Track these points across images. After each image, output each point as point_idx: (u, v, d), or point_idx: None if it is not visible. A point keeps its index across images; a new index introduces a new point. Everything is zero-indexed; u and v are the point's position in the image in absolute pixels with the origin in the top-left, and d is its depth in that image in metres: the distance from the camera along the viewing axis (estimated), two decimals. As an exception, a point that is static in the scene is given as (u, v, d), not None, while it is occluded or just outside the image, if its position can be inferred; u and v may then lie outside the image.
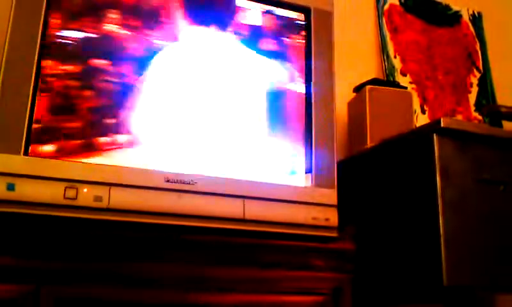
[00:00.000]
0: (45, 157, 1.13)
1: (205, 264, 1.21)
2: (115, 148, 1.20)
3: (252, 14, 1.40)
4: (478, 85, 2.22)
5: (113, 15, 1.26)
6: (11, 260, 1.06)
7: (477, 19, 2.31)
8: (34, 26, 1.16)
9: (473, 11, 2.31)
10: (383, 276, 1.44)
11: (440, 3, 2.24)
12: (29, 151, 1.12)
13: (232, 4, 1.39)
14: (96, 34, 1.23)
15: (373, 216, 1.50)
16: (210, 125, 1.31)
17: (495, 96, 2.23)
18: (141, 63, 1.26)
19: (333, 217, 1.32)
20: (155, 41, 1.28)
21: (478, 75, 2.24)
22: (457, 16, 2.27)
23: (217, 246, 1.23)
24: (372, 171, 1.55)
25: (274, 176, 1.33)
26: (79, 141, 1.17)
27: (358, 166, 1.62)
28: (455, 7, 2.27)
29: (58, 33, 1.20)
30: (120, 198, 1.15)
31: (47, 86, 1.16)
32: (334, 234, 1.32)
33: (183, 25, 1.33)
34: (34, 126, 1.13)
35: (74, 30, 1.22)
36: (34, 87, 1.14)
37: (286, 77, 1.41)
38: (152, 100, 1.26)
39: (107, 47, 1.24)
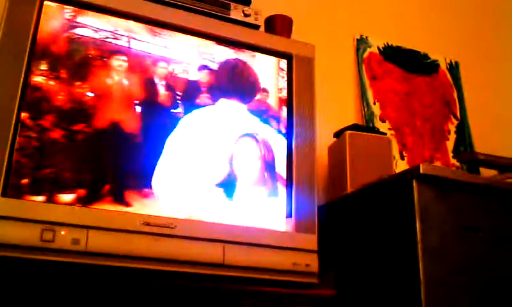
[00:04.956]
0: (22, 199, 1.12)
1: (183, 310, 1.19)
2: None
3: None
4: (456, 132, 2.26)
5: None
6: (-16, 305, 1.04)
7: (454, 68, 2.36)
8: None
9: (451, 61, 2.37)
10: (364, 323, 1.42)
11: (418, 52, 2.29)
12: (7, 192, 1.10)
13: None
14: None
15: (353, 261, 1.50)
16: (195, 170, 1.31)
17: (473, 143, 2.27)
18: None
19: (313, 262, 1.32)
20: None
21: (455, 122, 2.28)
22: (435, 65, 2.32)
23: (196, 292, 1.21)
24: (353, 216, 1.55)
25: (255, 220, 1.32)
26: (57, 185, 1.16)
27: (339, 211, 1.62)
28: (433, 57, 2.32)
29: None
30: (98, 241, 1.13)
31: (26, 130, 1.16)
32: (314, 280, 1.31)
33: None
34: (13, 167, 1.12)
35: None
36: (14, 129, 1.14)
37: (270, 126, 1.42)
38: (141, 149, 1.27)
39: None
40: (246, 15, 1.51)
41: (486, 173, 1.88)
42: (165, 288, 1.19)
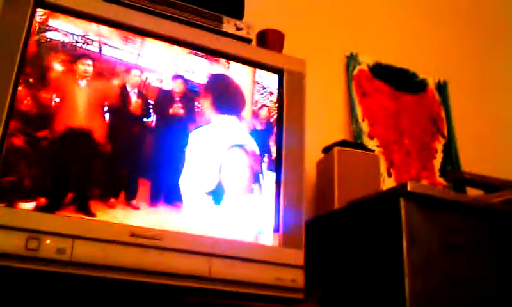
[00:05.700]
0: (7, 206, 1.10)
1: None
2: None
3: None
4: (443, 151, 2.27)
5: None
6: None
7: (442, 87, 2.38)
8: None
9: (439, 80, 2.39)
10: (348, 340, 1.42)
11: (407, 71, 2.31)
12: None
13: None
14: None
15: (339, 278, 1.50)
16: (185, 183, 1.30)
17: (459, 162, 2.28)
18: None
19: (299, 278, 1.31)
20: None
21: (443, 141, 2.29)
22: (423, 84, 2.34)
23: (181, 305, 1.20)
24: (339, 232, 1.56)
25: (242, 234, 1.32)
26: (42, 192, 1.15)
27: (325, 227, 1.62)
28: (422, 76, 2.35)
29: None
30: (84, 251, 1.12)
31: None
32: (300, 296, 1.31)
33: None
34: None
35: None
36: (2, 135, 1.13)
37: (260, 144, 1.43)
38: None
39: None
40: (238, 29, 1.52)
41: (473, 192, 1.89)
42: (149, 301, 1.18)
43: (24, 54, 1.20)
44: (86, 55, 1.28)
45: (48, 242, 1.10)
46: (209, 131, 1.37)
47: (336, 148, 1.70)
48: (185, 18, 1.45)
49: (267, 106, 1.46)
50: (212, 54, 1.43)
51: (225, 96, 1.43)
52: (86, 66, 1.27)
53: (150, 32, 1.36)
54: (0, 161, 1.11)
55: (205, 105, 1.38)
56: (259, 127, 1.44)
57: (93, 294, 1.13)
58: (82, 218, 1.16)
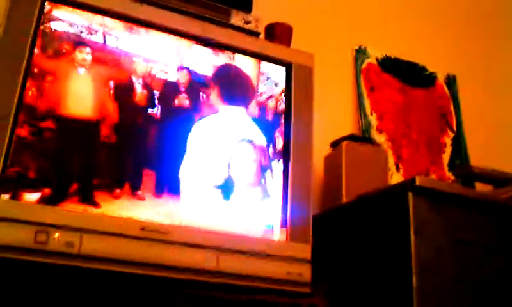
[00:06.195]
0: (16, 200, 1.11)
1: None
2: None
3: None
4: (452, 145, 2.26)
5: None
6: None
7: (451, 81, 2.37)
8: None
9: (448, 74, 2.38)
10: (355, 334, 1.42)
11: (416, 64, 2.30)
12: (1, 192, 1.10)
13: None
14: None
15: (347, 272, 1.50)
16: (192, 177, 1.30)
17: (468, 156, 2.27)
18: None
19: (306, 272, 1.31)
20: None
21: (452, 135, 2.28)
22: (432, 77, 2.33)
23: (189, 299, 1.21)
24: (347, 227, 1.55)
25: (250, 228, 1.32)
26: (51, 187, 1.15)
27: (333, 221, 1.62)
28: (430, 69, 2.33)
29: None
30: (92, 245, 1.13)
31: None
32: (307, 290, 1.31)
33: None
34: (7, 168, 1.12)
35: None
36: (11, 131, 1.13)
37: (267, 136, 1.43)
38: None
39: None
40: (246, 22, 1.51)
41: (481, 187, 1.89)
42: (158, 294, 1.19)
43: (32, 49, 1.20)
44: (83, 43, 1.27)
45: (57, 235, 1.10)
46: (216, 121, 1.37)
47: (345, 142, 1.69)
48: (193, 12, 1.45)
49: (273, 96, 1.46)
50: (220, 47, 1.43)
51: (233, 87, 1.43)
52: (84, 55, 1.26)
53: (156, 25, 1.36)
54: (10, 153, 1.12)
55: (212, 96, 1.38)
56: (265, 118, 1.43)
57: (101, 287, 1.14)
58: (90, 211, 1.16)
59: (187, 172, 1.30)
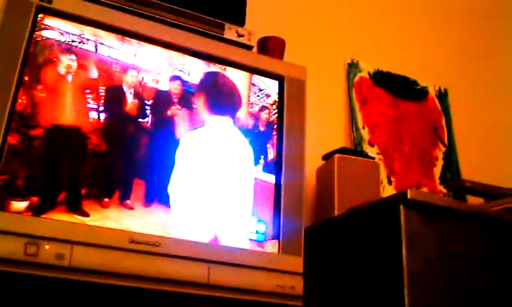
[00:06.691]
0: (5, 211, 1.10)
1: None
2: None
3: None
4: (443, 159, 2.27)
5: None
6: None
7: (443, 95, 2.38)
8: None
9: (440, 88, 2.39)
10: (347, 348, 1.41)
11: (408, 78, 2.31)
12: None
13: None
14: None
15: (339, 285, 1.49)
16: (184, 190, 1.30)
17: (460, 170, 2.28)
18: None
19: (298, 285, 1.31)
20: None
21: (443, 149, 2.29)
22: (424, 91, 2.34)
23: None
24: (339, 240, 1.55)
25: (241, 241, 1.31)
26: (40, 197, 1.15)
27: (325, 234, 1.61)
28: (422, 83, 2.35)
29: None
30: (83, 257, 1.12)
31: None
32: (299, 303, 1.31)
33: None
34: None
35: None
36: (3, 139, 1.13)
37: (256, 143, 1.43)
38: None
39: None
40: (239, 36, 1.52)
41: (473, 200, 1.89)
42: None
43: (25, 58, 1.20)
44: (73, 51, 1.27)
45: (47, 247, 1.10)
46: (202, 134, 1.37)
47: (337, 155, 1.70)
48: (187, 25, 1.46)
49: (265, 108, 1.46)
50: (213, 60, 1.43)
51: (219, 95, 1.43)
52: (73, 63, 1.26)
53: (149, 38, 1.36)
54: (2, 162, 1.12)
55: (199, 106, 1.38)
56: (256, 129, 1.43)
57: (91, 300, 1.13)
58: (80, 221, 1.16)
59: (175, 186, 1.29)
